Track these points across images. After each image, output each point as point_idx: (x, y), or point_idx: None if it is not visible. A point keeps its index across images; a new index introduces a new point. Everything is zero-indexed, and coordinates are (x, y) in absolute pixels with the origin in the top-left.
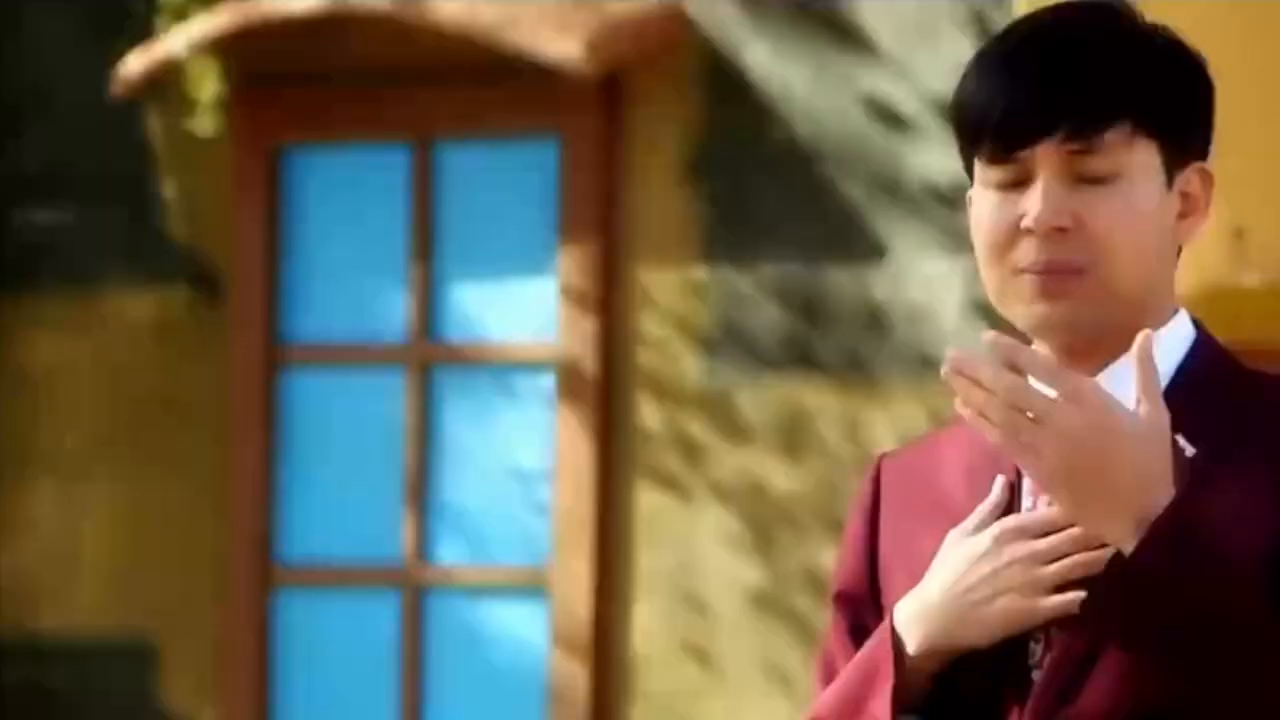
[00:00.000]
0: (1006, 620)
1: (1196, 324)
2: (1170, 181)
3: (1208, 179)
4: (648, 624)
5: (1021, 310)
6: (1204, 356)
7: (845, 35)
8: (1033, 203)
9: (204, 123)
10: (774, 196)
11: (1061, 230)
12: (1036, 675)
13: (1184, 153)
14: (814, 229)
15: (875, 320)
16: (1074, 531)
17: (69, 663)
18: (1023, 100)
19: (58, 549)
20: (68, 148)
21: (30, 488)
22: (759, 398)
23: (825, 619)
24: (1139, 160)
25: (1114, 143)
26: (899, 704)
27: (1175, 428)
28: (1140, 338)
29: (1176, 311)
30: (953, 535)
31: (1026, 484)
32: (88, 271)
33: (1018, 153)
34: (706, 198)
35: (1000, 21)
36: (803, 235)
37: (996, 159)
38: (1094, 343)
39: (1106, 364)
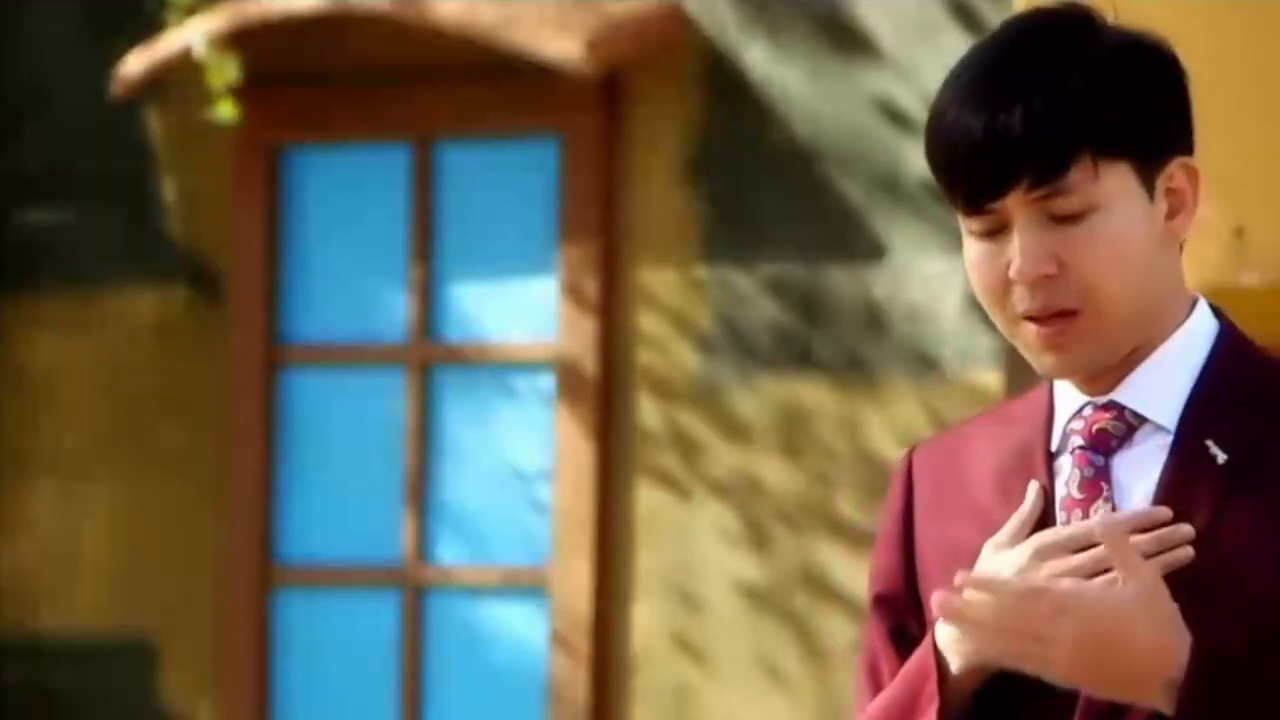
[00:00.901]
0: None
1: (1217, 313)
2: (1151, 191)
3: (1191, 171)
4: (647, 623)
5: (1034, 359)
6: (1228, 350)
7: (845, 35)
8: (1014, 254)
9: (224, 112)
10: (774, 196)
11: (1047, 277)
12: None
13: (1158, 157)
14: (814, 229)
15: (875, 320)
16: (1128, 549)
17: (69, 663)
18: (981, 154)
19: (58, 549)
20: (68, 148)
21: (30, 488)
22: (758, 397)
23: (825, 618)
24: (1110, 188)
25: (1079, 180)
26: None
27: (1204, 433)
28: (1099, 520)
29: (1195, 303)
30: (987, 548)
31: (1060, 490)
32: (88, 271)
33: (988, 205)
34: (706, 197)
35: (1000, 21)
36: (802, 235)
37: (970, 211)
38: (1108, 369)
39: (1125, 374)
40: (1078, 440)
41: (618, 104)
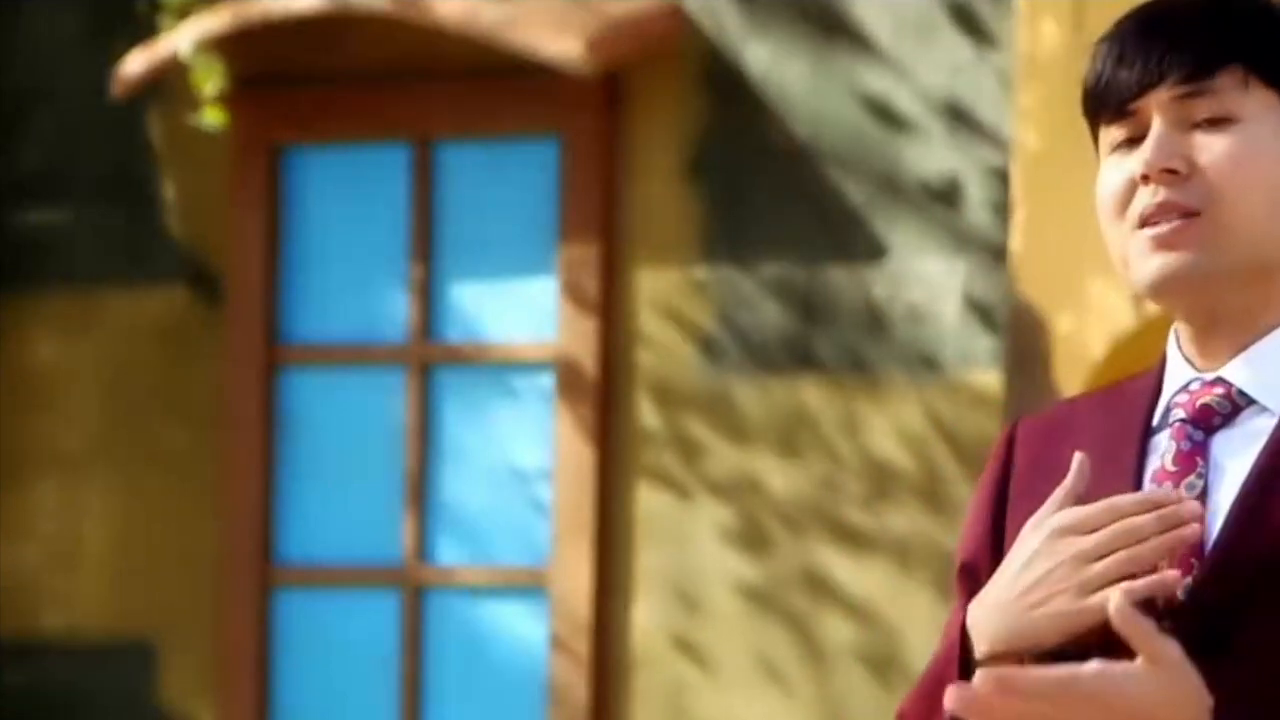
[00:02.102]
0: (1057, 623)
1: None
2: None
3: None
4: (647, 623)
5: (1140, 269)
6: None
7: (845, 35)
8: (1144, 149)
9: (211, 117)
10: (774, 196)
11: (1173, 173)
12: None
13: None
14: (814, 229)
15: (875, 320)
16: (1124, 524)
17: (69, 663)
18: (1131, 54)
19: (58, 549)
20: (68, 148)
21: (30, 488)
22: (758, 397)
23: (825, 619)
24: (1254, 106)
25: (1226, 86)
26: None
27: None
28: (1115, 601)
29: None
30: (1029, 524)
31: (1153, 464)
32: (88, 271)
33: (1130, 105)
34: (706, 198)
35: (1000, 21)
36: (803, 235)
37: (1112, 117)
38: (1219, 311)
39: (1238, 351)
40: (1179, 414)
41: (618, 104)
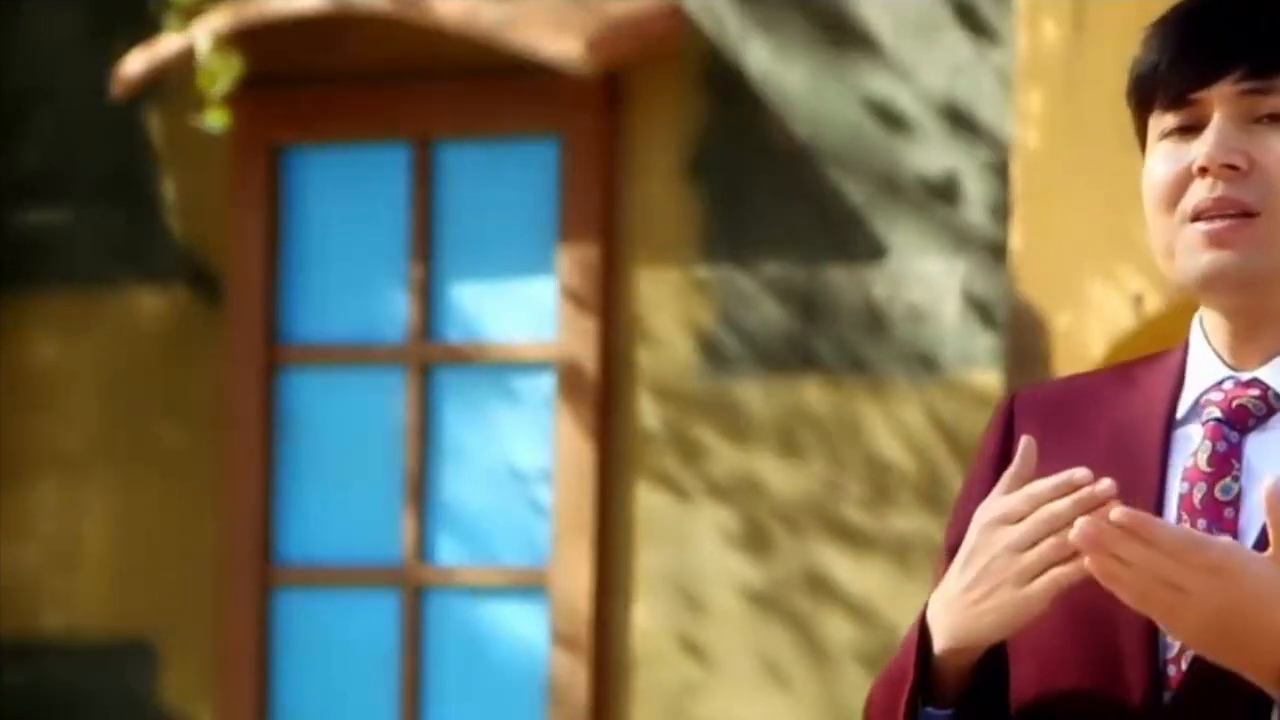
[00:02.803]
0: (1002, 616)
1: None
2: None
3: None
4: (647, 623)
5: (1189, 263)
6: None
7: (845, 35)
8: (1205, 142)
9: (215, 119)
10: (774, 196)
11: (1234, 168)
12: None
13: None
14: (814, 229)
15: (875, 320)
16: (1045, 511)
17: (69, 663)
18: (1198, 43)
19: (58, 549)
20: (68, 148)
21: (30, 488)
22: (758, 397)
23: (826, 619)
24: None
25: None
26: (933, 699)
27: None
28: (1270, 486)
29: None
30: (976, 514)
31: (1184, 460)
32: (88, 271)
33: (1192, 94)
34: (706, 198)
35: (1000, 21)
36: (803, 235)
37: (1170, 105)
38: (1264, 312)
39: (1273, 353)
40: (1214, 412)
41: (618, 104)
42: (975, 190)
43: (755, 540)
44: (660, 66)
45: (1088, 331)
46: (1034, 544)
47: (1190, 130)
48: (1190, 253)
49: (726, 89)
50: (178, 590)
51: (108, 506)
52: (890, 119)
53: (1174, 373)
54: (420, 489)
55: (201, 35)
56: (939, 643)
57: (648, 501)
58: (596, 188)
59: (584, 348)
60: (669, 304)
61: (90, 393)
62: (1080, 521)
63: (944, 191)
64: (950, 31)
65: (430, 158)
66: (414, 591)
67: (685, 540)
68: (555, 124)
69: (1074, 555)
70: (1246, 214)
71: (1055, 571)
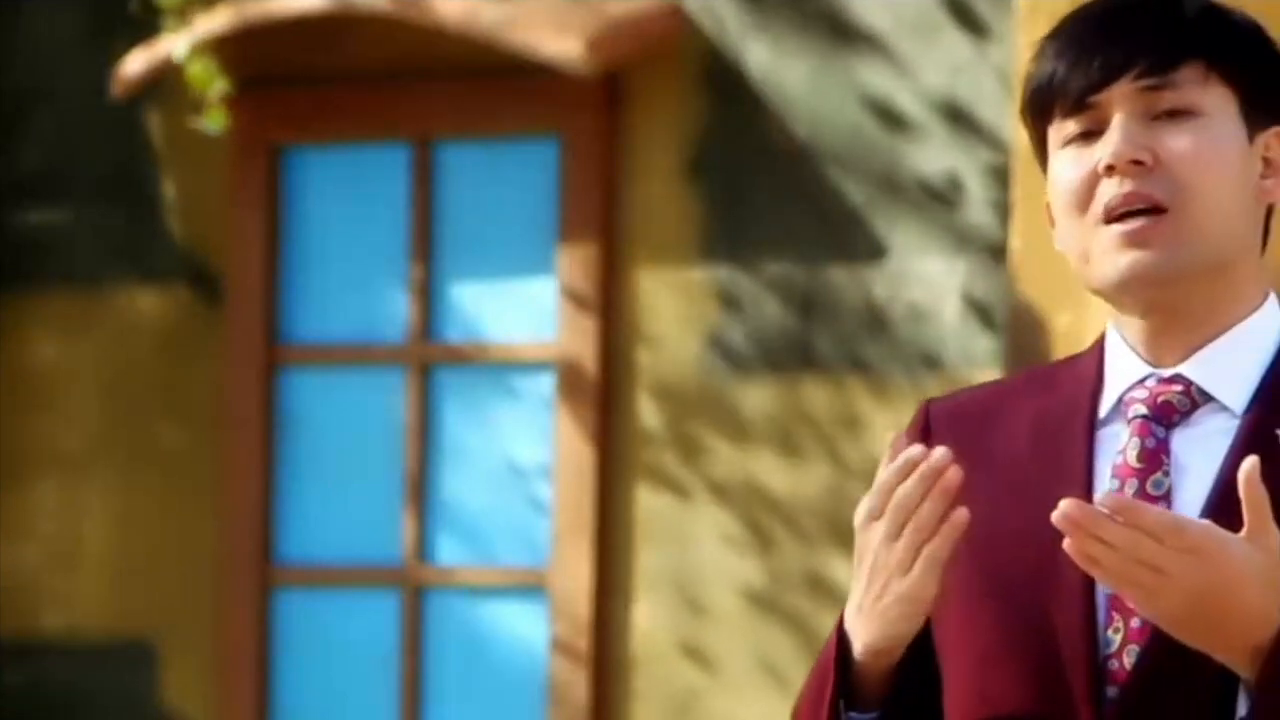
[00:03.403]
0: (900, 608)
1: None
2: (1250, 138)
3: None
4: (647, 624)
5: (1106, 266)
6: None
7: (845, 34)
8: (1109, 141)
9: (212, 120)
10: (774, 196)
11: (1140, 164)
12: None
13: (1262, 110)
14: (814, 229)
15: (875, 320)
16: (896, 498)
17: (69, 663)
18: (1094, 46)
19: (58, 549)
20: (68, 148)
21: (30, 488)
22: (759, 397)
23: (826, 619)
24: (1215, 101)
25: (1189, 79)
26: (855, 704)
27: (1274, 422)
28: (1248, 465)
29: (1267, 293)
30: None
31: (1112, 458)
32: (88, 271)
33: (1092, 98)
34: (706, 197)
35: (1000, 20)
36: (803, 235)
37: (1071, 110)
38: (1180, 308)
39: (1196, 349)
40: (1140, 409)
41: (618, 104)
42: (975, 190)
43: (755, 540)
44: (660, 66)
45: (1087, 331)
46: (900, 532)
47: (1092, 135)
48: (1108, 255)
49: (726, 89)
50: (178, 590)
51: (108, 506)
52: (890, 119)
53: (1092, 373)
54: (420, 489)
55: (181, 42)
56: (857, 648)
57: (648, 501)
58: (596, 188)
59: (584, 348)
60: (669, 304)
61: (90, 393)
62: (1064, 504)
63: (944, 191)
64: (950, 31)
65: (430, 158)
66: (414, 591)
67: (685, 540)
68: (555, 124)
69: (936, 531)
70: (1157, 209)
71: (927, 551)
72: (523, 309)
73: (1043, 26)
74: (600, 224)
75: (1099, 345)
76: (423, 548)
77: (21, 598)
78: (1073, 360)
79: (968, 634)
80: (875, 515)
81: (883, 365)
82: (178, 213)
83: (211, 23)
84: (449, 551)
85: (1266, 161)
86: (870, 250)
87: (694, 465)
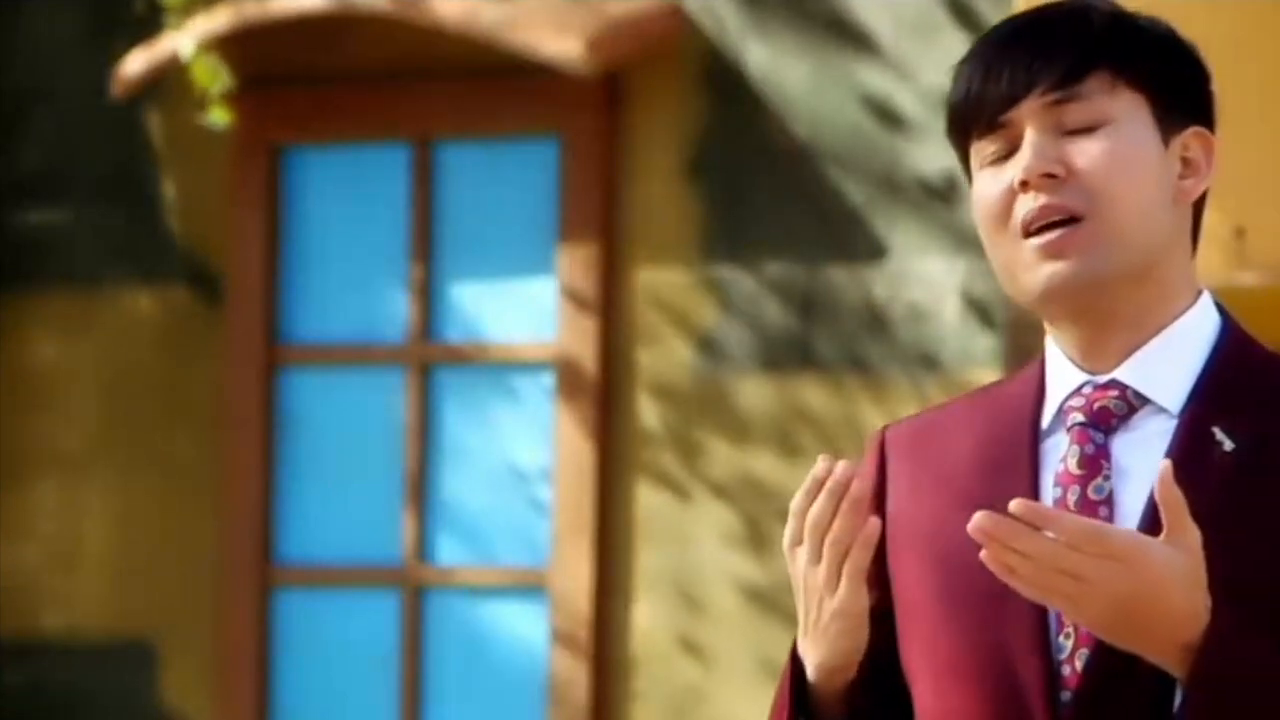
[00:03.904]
0: (838, 624)
1: (1220, 308)
2: (1166, 140)
3: (1207, 142)
4: (647, 623)
5: (1028, 280)
6: (1234, 344)
7: (845, 34)
8: (1022, 157)
9: (216, 117)
10: (774, 196)
11: (1053, 177)
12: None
13: (1176, 112)
14: (814, 229)
15: (875, 319)
16: (809, 519)
17: (69, 663)
18: (999, 67)
19: (58, 549)
20: (67, 147)
21: (30, 488)
22: (759, 397)
23: None
24: (1125, 108)
25: (1095, 90)
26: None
27: (1209, 420)
28: (1162, 468)
29: (1199, 294)
30: None
31: (1054, 466)
32: (88, 271)
33: (1002, 117)
34: (706, 197)
35: (1000, 21)
36: (803, 235)
37: (985, 131)
38: (1108, 313)
39: (1131, 353)
40: (1078, 417)
41: (618, 104)
42: None
43: (755, 540)
44: (660, 66)
45: None
46: (821, 552)
47: (1009, 155)
48: (1029, 269)
49: (726, 89)
50: (178, 590)
51: (108, 506)
52: (890, 119)
53: (1034, 386)
54: (420, 489)
55: (185, 41)
56: (811, 673)
57: (648, 501)
58: (596, 188)
59: (584, 348)
60: (669, 304)
61: (90, 393)
62: (978, 517)
63: (944, 191)
64: (950, 31)
65: (430, 158)
66: (414, 591)
67: (685, 540)
68: (555, 124)
69: (850, 545)
70: (1074, 218)
71: (848, 566)
72: (523, 309)
73: None
74: (600, 224)
75: (1041, 359)
76: (423, 548)
77: (21, 598)
78: (1017, 376)
79: (927, 652)
80: (797, 540)
81: (883, 365)
82: (178, 213)
83: (212, 22)
84: (449, 551)
85: (1185, 161)
86: (870, 250)
87: (694, 465)
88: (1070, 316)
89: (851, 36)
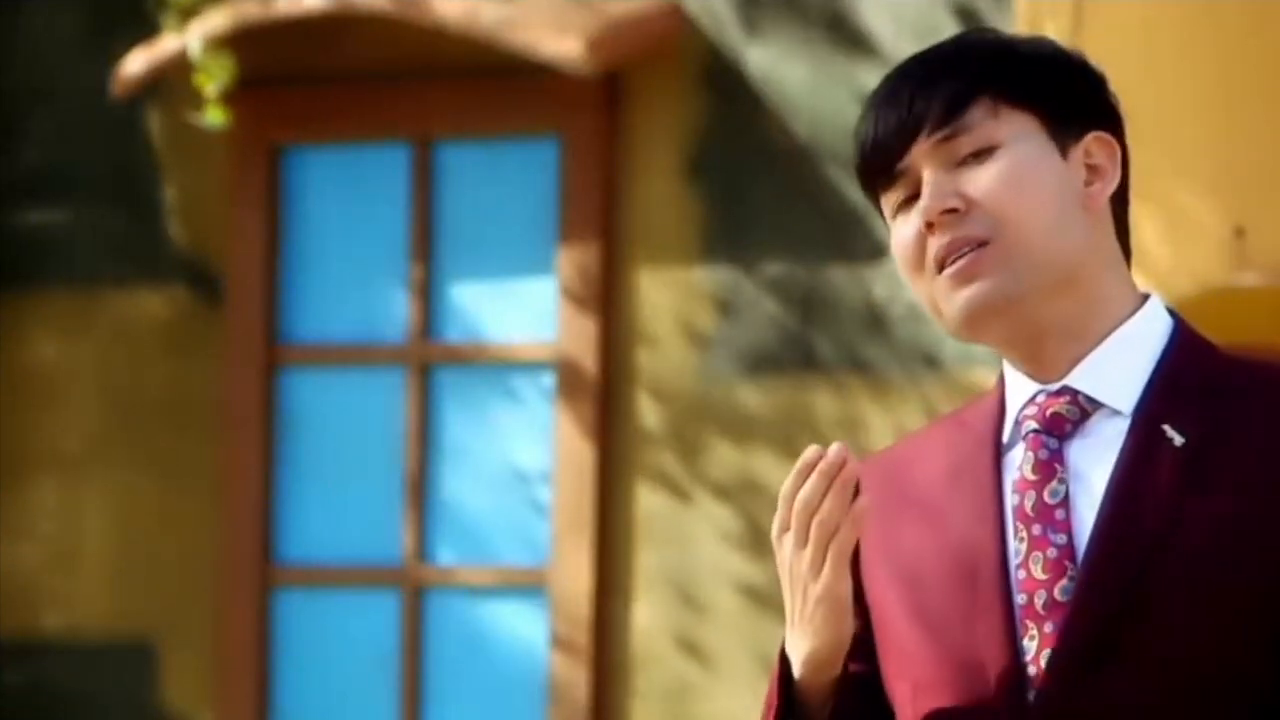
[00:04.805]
0: (822, 612)
1: (1172, 313)
2: (1064, 151)
3: (1108, 144)
4: (647, 623)
5: (950, 309)
6: (1185, 344)
7: (845, 35)
8: (922, 200)
9: (214, 116)
10: (774, 196)
11: (954, 211)
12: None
13: (1071, 122)
14: (814, 229)
15: (875, 319)
16: (799, 500)
17: (69, 663)
18: (888, 113)
19: (58, 549)
20: (68, 148)
21: (30, 488)
22: (758, 397)
23: None
24: (1012, 130)
25: (979, 118)
26: (805, 716)
27: (1161, 418)
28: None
29: (1146, 300)
30: None
31: (1012, 475)
32: (88, 271)
33: (899, 165)
34: (706, 197)
35: (1000, 21)
36: (803, 235)
37: (888, 182)
38: (1038, 329)
39: (1077, 362)
40: (1031, 425)
41: (618, 104)
42: None
43: (755, 540)
44: (660, 66)
45: None
46: (808, 536)
47: (914, 200)
48: (947, 299)
49: (726, 89)
50: (178, 590)
51: (108, 506)
52: None
53: (995, 406)
54: (420, 489)
55: (194, 37)
56: (797, 670)
57: (648, 501)
58: (596, 188)
59: (584, 348)
60: (669, 304)
61: (90, 393)
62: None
63: None
64: (950, 32)
65: (430, 158)
66: (414, 591)
67: (685, 540)
68: (555, 124)
69: (838, 526)
70: (980, 244)
71: (834, 547)
72: (523, 309)
73: (1043, 26)
74: (600, 224)
75: (1000, 379)
76: (423, 548)
77: (21, 598)
78: (980, 397)
79: (904, 668)
80: (785, 527)
81: (883, 365)
82: (178, 213)
83: (212, 22)
84: (449, 551)
85: (1090, 168)
86: (870, 250)
87: (693, 465)
88: (999, 340)
89: (851, 36)
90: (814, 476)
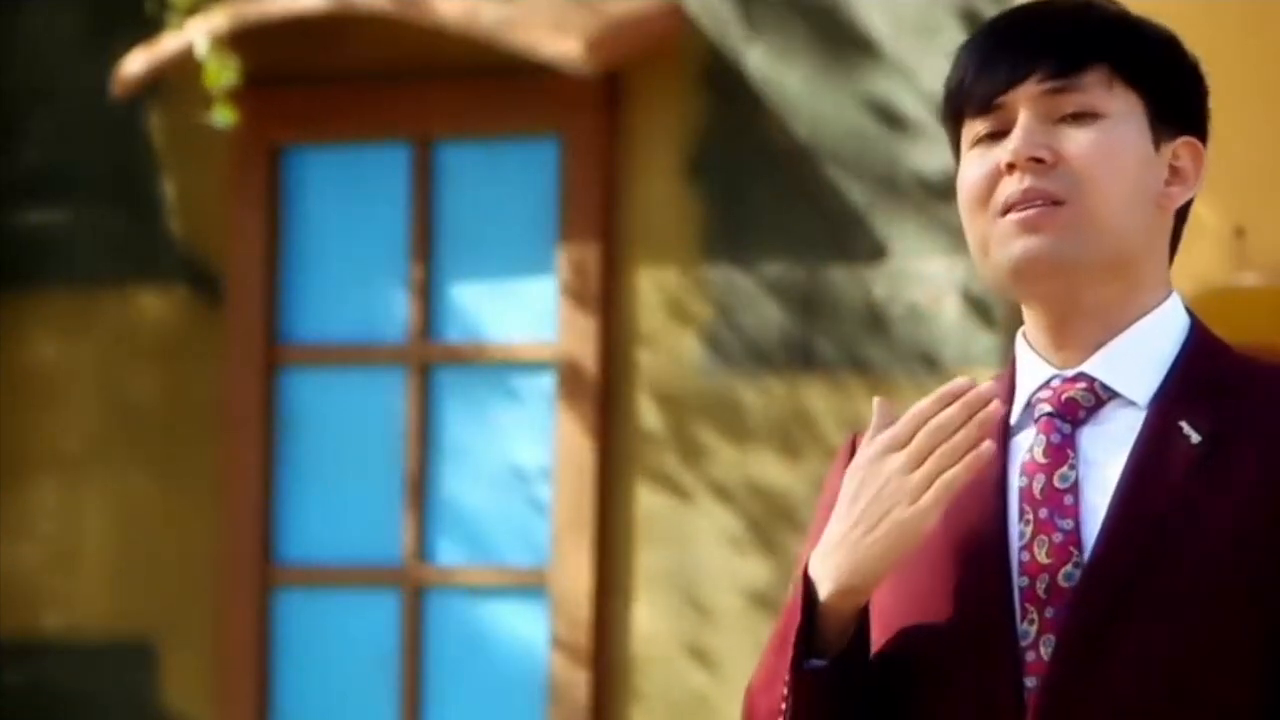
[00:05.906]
0: (893, 539)
1: (1187, 310)
2: (1157, 145)
3: (1198, 153)
4: (647, 624)
5: (1002, 253)
6: (1202, 341)
7: (845, 35)
8: (1012, 139)
9: (220, 115)
10: (774, 196)
11: (1040, 161)
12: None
13: (1170, 119)
14: (814, 229)
15: (875, 319)
16: (934, 423)
17: (69, 663)
18: (1000, 53)
19: (58, 549)
20: (68, 147)
21: (30, 488)
22: (759, 397)
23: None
24: (1119, 105)
25: (1092, 83)
26: (816, 650)
27: (1178, 413)
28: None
29: (1170, 294)
30: (848, 471)
31: (1021, 456)
32: (88, 271)
33: (998, 99)
34: (706, 197)
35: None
36: (803, 235)
37: (978, 111)
38: (1078, 302)
39: (1098, 347)
40: (1045, 408)
41: (618, 104)
42: None
43: (755, 540)
44: (660, 66)
45: None
46: (920, 461)
47: (999, 135)
48: (1003, 242)
49: (726, 89)
50: (178, 590)
51: (108, 506)
52: (890, 119)
53: (1005, 384)
54: (420, 489)
55: (199, 36)
56: (824, 590)
57: (648, 501)
58: (596, 188)
59: (584, 348)
60: (669, 304)
61: (90, 393)
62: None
63: (944, 191)
64: (950, 31)
65: (430, 158)
66: (414, 591)
67: (685, 540)
68: (555, 124)
69: (958, 461)
70: (1055, 203)
71: (945, 476)
72: (523, 309)
73: None
74: (600, 224)
75: (1011, 363)
76: (423, 548)
77: (21, 598)
78: (989, 382)
79: (901, 651)
80: (899, 444)
81: (883, 365)
82: (178, 213)
83: (212, 22)
84: (449, 551)
85: (1174, 170)
86: (870, 250)
87: (694, 465)
88: (1038, 298)
89: (851, 37)
90: (957, 405)
